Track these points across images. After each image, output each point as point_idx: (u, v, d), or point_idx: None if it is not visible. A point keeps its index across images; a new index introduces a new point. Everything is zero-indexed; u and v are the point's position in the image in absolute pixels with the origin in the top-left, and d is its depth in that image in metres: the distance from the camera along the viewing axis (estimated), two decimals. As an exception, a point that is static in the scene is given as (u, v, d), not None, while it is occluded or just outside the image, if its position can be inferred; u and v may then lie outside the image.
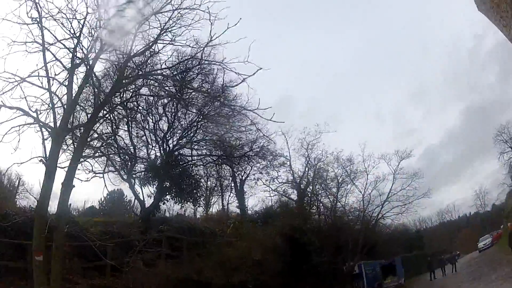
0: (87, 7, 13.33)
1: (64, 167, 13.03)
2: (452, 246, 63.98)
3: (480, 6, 3.39)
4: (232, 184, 32.95)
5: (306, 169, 33.99)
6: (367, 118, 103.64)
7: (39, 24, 12.58)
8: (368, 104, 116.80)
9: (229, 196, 35.37)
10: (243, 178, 32.15)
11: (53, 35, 13.13)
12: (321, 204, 33.90)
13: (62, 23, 13.19)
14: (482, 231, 58.01)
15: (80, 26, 13.43)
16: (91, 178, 18.17)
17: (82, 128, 14.84)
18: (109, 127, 20.17)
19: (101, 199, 32.42)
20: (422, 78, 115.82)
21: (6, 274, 14.31)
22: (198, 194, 26.79)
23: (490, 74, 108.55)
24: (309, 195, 33.85)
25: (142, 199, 23.16)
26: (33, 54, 12.74)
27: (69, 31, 13.37)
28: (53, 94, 13.05)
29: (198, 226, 23.79)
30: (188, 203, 26.33)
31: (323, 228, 28.78)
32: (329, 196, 33.85)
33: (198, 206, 29.85)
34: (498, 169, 69.69)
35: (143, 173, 23.62)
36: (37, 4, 12.35)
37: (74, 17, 13.29)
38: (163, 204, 24.37)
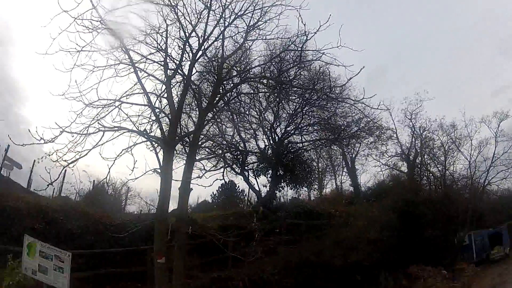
0: (165, 20, 13.76)
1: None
2: None
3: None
4: (343, 164, 32.45)
5: (413, 139, 32.66)
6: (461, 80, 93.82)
7: (123, 48, 12.99)
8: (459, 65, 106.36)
9: (342, 175, 34.99)
10: (353, 156, 31.60)
11: (139, 53, 13.64)
12: (430, 175, 32.21)
13: (145, 41, 13.66)
14: None
15: (164, 39, 13.86)
16: (203, 175, 18.88)
17: (191, 135, 15.42)
18: (216, 127, 20.81)
19: (213, 193, 33.76)
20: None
21: (123, 279, 15.53)
22: (312, 178, 26.91)
23: None
24: (419, 166, 32.28)
25: (257, 189, 23.72)
26: (122, 77, 13.32)
27: (154, 46, 13.87)
28: (156, 109, 13.78)
29: (314, 209, 23.82)
30: (302, 187, 26.60)
31: (434, 199, 27.24)
32: (438, 166, 32.10)
33: (313, 190, 30.05)
34: None
35: (255, 164, 24.19)
36: (115, 32, 12.68)
37: (156, 32, 13.72)
38: (279, 191, 24.85)
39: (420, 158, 32.59)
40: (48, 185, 11.61)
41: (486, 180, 32.95)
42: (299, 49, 15.66)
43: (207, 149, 19.46)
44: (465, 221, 26.91)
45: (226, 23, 14.24)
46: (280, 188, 24.50)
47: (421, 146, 32.35)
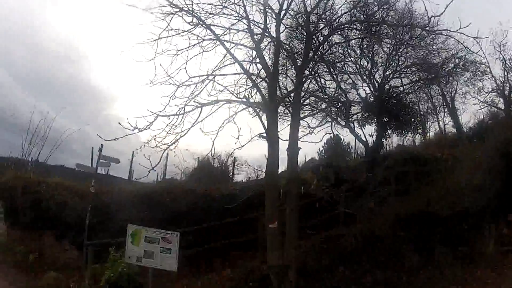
0: None
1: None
2: None
3: None
4: (444, 104, 30.60)
5: (505, 73, 29.55)
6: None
7: (203, 24, 12.96)
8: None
9: (444, 116, 32.99)
10: (453, 95, 29.60)
11: (222, 26, 13.51)
12: None
13: (222, 12, 13.43)
14: None
15: (243, 7, 13.50)
16: (311, 132, 18.67)
17: (291, 94, 15.17)
18: (315, 83, 20.38)
19: (319, 149, 33.42)
20: None
21: (234, 250, 15.85)
22: (416, 122, 25.75)
23: None
24: None
25: (364, 139, 23.22)
26: (208, 52, 13.31)
27: (234, 16, 13.59)
28: (251, 75, 13.73)
29: (420, 154, 22.73)
30: (408, 133, 25.58)
31: None
32: None
33: (417, 134, 28.80)
34: None
35: (359, 114, 23.59)
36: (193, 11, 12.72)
37: (232, 2, 13.40)
38: (385, 139, 24.13)
39: None
40: (149, 171, 11.97)
41: None
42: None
43: (309, 106, 19.21)
44: None
45: None
46: (386, 136, 23.70)
47: None
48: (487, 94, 30.09)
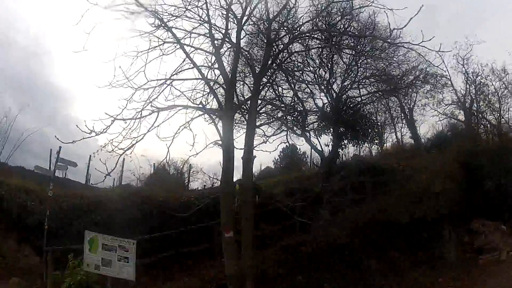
0: None
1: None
2: None
3: None
4: (402, 116, 31.35)
5: (467, 86, 30.56)
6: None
7: (165, 27, 12.84)
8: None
9: (401, 127, 33.82)
10: (411, 106, 30.41)
11: (183, 29, 13.43)
12: (487, 123, 30.31)
13: (185, 15, 13.31)
14: None
15: (206, 11, 13.47)
16: (266, 141, 18.70)
17: (248, 102, 15.12)
18: (272, 91, 20.61)
19: (275, 158, 33.54)
20: None
21: (191, 258, 15.78)
22: (373, 132, 26.17)
23: None
24: (475, 113, 30.54)
25: (320, 149, 23.34)
26: (168, 55, 13.17)
27: (197, 19, 13.54)
28: (209, 81, 13.63)
29: (377, 164, 23.17)
30: (365, 143, 25.96)
31: (492, 149, 25.73)
32: (493, 113, 30.02)
33: (374, 145, 29.33)
34: None
35: (315, 124, 23.70)
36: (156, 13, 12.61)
37: (196, 6, 13.33)
38: (342, 149, 24.34)
39: (476, 105, 30.62)
40: (105, 176, 11.75)
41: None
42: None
43: (266, 114, 19.32)
44: None
45: None
46: (343, 146, 23.91)
47: (476, 92, 30.33)
48: (447, 106, 30.90)
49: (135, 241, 11.87)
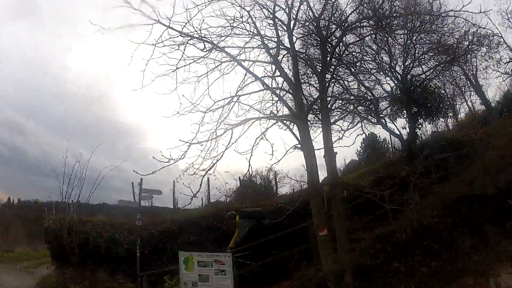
0: (243, 8, 13.75)
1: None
2: None
3: None
4: (468, 83, 30.29)
5: None
6: None
7: (217, 48, 13.34)
8: None
9: (470, 95, 32.62)
10: (474, 72, 29.30)
11: (236, 46, 13.92)
12: None
13: (234, 33, 13.86)
14: None
15: (252, 25, 13.97)
16: (343, 135, 18.72)
17: (317, 101, 15.35)
18: (339, 86, 20.82)
19: (357, 150, 33.40)
20: None
21: (288, 262, 15.98)
22: (444, 106, 25.48)
23: None
24: None
25: (398, 133, 23.10)
26: (227, 74, 13.70)
27: (246, 34, 14.03)
28: (275, 89, 14.07)
29: (455, 138, 22.57)
30: (439, 118, 25.30)
31: None
32: None
33: (449, 118, 28.51)
34: None
35: (388, 109, 23.49)
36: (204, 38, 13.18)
37: (241, 21, 13.83)
38: (419, 129, 23.85)
39: None
40: (191, 198, 12.21)
41: None
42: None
43: (338, 110, 19.33)
44: None
45: None
46: (419, 126, 23.42)
47: None
48: (506, 64, 29.69)
49: (231, 253, 12.44)
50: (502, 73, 29.93)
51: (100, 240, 17.21)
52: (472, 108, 33.17)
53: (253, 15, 13.98)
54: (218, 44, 13.42)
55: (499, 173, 16.08)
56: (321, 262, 12.51)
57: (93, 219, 18.65)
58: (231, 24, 13.70)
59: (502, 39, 28.56)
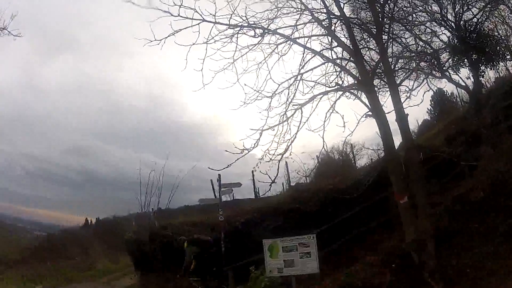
0: None
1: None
2: None
3: None
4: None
5: None
6: None
7: (269, 31, 13.36)
8: None
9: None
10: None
11: (287, 26, 13.81)
12: None
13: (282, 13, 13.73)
14: None
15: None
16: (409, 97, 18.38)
17: (380, 64, 15.01)
18: (397, 44, 20.12)
19: (427, 108, 32.75)
20: None
21: (370, 235, 16.00)
22: (502, 48, 24.53)
23: None
24: None
25: (464, 84, 22.53)
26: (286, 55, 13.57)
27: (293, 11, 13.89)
28: (336, 59, 13.98)
29: (518, 81, 21.36)
30: (499, 62, 24.39)
31: None
32: None
33: (508, 61, 27.41)
34: None
35: (450, 61, 22.79)
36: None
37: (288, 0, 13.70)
38: (482, 77, 23.07)
39: None
40: (270, 185, 12.37)
41: None
42: None
43: (401, 70, 19.15)
44: None
45: None
46: (482, 73, 22.63)
47: None
48: None
49: (314, 234, 12.40)
50: None
51: (182, 242, 17.59)
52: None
53: None
54: (269, 28, 13.36)
55: None
56: (403, 232, 12.47)
57: (173, 222, 19.22)
58: (277, 6, 13.60)
59: None
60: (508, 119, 18.56)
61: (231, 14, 12.72)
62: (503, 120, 18.73)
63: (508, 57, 27.26)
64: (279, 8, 13.56)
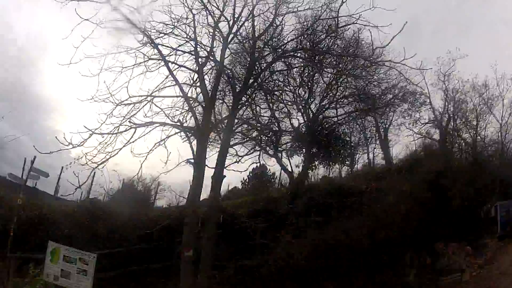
0: (191, 10, 14.13)
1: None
2: None
3: None
4: (376, 136, 32.16)
5: (446, 103, 31.52)
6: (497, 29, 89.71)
7: (152, 43, 13.52)
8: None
9: (374, 148, 34.65)
10: (387, 126, 31.24)
11: (169, 47, 14.10)
12: (462, 141, 31.59)
13: (173, 33, 14.07)
14: None
15: (192, 29, 14.25)
16: (239, 161, 19.36)
17: (225, 121, 15.77)
18: (249, 110, 21.03)
19: (243, 178, 33.86)
20: None
21: (149, 276, 16.03)
22: (345, 153, 26.79)
23: None
24: (451, 132, 31.68)
25: (290, 170, 23.92)
26: (152, 72, 13.87)
27: (183, 37, 14.25)
28: (189, 98, 14.24)
29: (345, 186, 23.80)
30: (336, 164, 26.57)
31: (464, 168, 26.70)
32: (469, 131, 31.28)
33: (345, 165, 29.91)
34: None
35: (289, 144, 24.32)
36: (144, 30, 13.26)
37: (184, 23, 14.12)
38: (312, 171, 24.90)
39: (452, 124, 31.74)
40: (76, 189, 12.55)
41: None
42: (333, 16, 15.74)
43: (241, 134, 20.02)
44: (494, 192, 26.28)
45: (255, 2, 14.48)
46: (313, 167, 24.52)
47: (454, 110, 31.40)
48: (423, 125, 31.71)
49: (95, 255, 12.33)
50: (415, 133, 32.15)
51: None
52: (371, 161, 35.08)
53: (197, 19, 14.34)
54: (154, 40, 13.57)
55: (380, 227, 17.47)
56: (179, 282, 12.80)
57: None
58: (174, 23, 13.94)
59: (428, 100, 30.83)
60: (320, 216, 20.25)
61: (135, 9, 12.73)
62: (314, 215, 20.36)
63: (347, 162, 30.18)
64: (174, 27, 13.98)
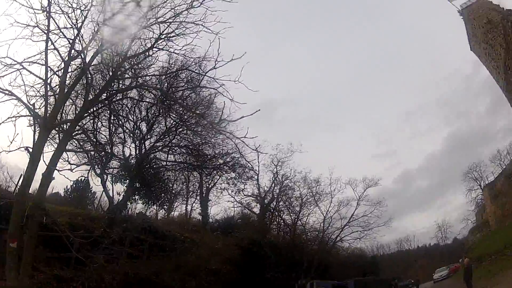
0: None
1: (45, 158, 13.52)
2: (407, 274, 66.08)
3: (473, 46, 4.05)
4: (198, 192, 33.41)
5: (273, 185, 34.91)
6: (348, 135, 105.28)
7: (47, 12, 13.13)
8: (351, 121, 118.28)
9: (193, 202, 35.77)
10: (210, 186, 32.67)
11: (56, 23, 13.69)
12: (282, 221, 34.91)
13: (66, 12, 13.72)
14: (439, 263, 60.24)
15: (83, 17, 13.93)
16: (70, 170, 18.63)
17: (69, 123, 15.17)
18: (91, 122, 20.83)
19: (66, 186, 32.29)
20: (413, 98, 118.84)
21: None
22: (165, 198, 27.26)
23: (481, 104, 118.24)
24: (272, 210, 34.71)
25: (111, 195, 23.47)
26: (35, 41, 13.33)
27: (71, 20, 13.88)
28: (48, 86, 13.56)
29: (160, 228, 24.18)
30: (154, 205, 26.78)
31: (281, 244, 29.43)
32: (291, 214, 35.00)
33: (162, 209, 30.27)
34: (465, 204, 73.85)
35: (116, 170, 24.00)
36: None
37: (78, 7, 13.82)
38: (131, 203, 24.75)
39: (275, 203, 34.89)
40: None
41: (338, 236, 37.58)
42: (200, 72, 16.68)
43: (77, 142, 19.63)
44: (310, 270, 29.27)
45: (144, 24, 14.53)
46: (133, 200, 24.40)
47: (279, 193, 34.74)
48: (245, 196, 33.97)
49: None
50: (236, 201, 34.46)
51: None
52: (188, 213, 36.11)
53: (91, 12, 14.15)
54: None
55: (190, 277, 17.85)
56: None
57: None
58: (72, 4, 13.73)
59: (256, 177, 33.26)
60: (131, 247, 20.30)
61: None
62: (127, 246, 20.20)
63: (165, 207, 30.54)
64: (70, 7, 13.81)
